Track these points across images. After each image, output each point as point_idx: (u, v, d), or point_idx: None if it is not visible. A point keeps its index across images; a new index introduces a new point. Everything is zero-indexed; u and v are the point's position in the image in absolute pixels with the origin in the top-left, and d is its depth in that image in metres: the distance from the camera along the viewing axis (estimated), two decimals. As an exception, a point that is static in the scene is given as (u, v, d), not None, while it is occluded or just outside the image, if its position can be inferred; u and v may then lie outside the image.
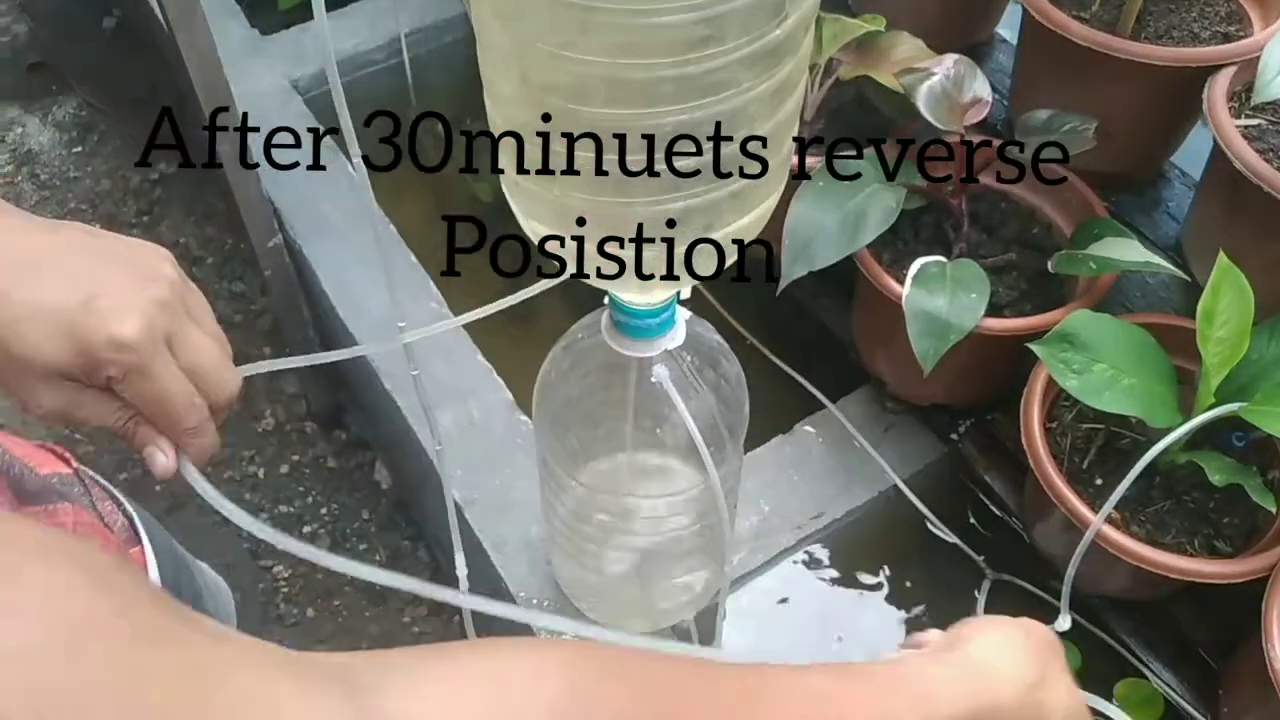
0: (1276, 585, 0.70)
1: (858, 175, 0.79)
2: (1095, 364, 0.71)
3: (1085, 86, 0.84)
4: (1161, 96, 0.83)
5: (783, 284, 0.78)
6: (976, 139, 0.83)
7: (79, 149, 1.73)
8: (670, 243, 0.48)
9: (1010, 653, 0.49)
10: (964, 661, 0.47)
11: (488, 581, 0.89)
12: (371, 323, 1.03)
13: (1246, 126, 0.76)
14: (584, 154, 0.44)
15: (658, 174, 0.44)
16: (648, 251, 0.48)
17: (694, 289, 1.14)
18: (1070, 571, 0.74)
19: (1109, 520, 0.77)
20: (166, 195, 1.66)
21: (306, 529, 1.30)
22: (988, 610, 0.86)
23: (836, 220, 0.77)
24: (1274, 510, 0.69)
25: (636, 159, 0.44)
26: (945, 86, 0.80)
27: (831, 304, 1.02)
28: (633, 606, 0.81)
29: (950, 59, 0.81)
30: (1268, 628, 0.68)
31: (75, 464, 0.51)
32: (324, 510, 1.32)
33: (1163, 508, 0.78)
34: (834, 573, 0.89)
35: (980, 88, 0.80)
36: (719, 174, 0.46)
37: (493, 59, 0.44)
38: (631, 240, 0.48)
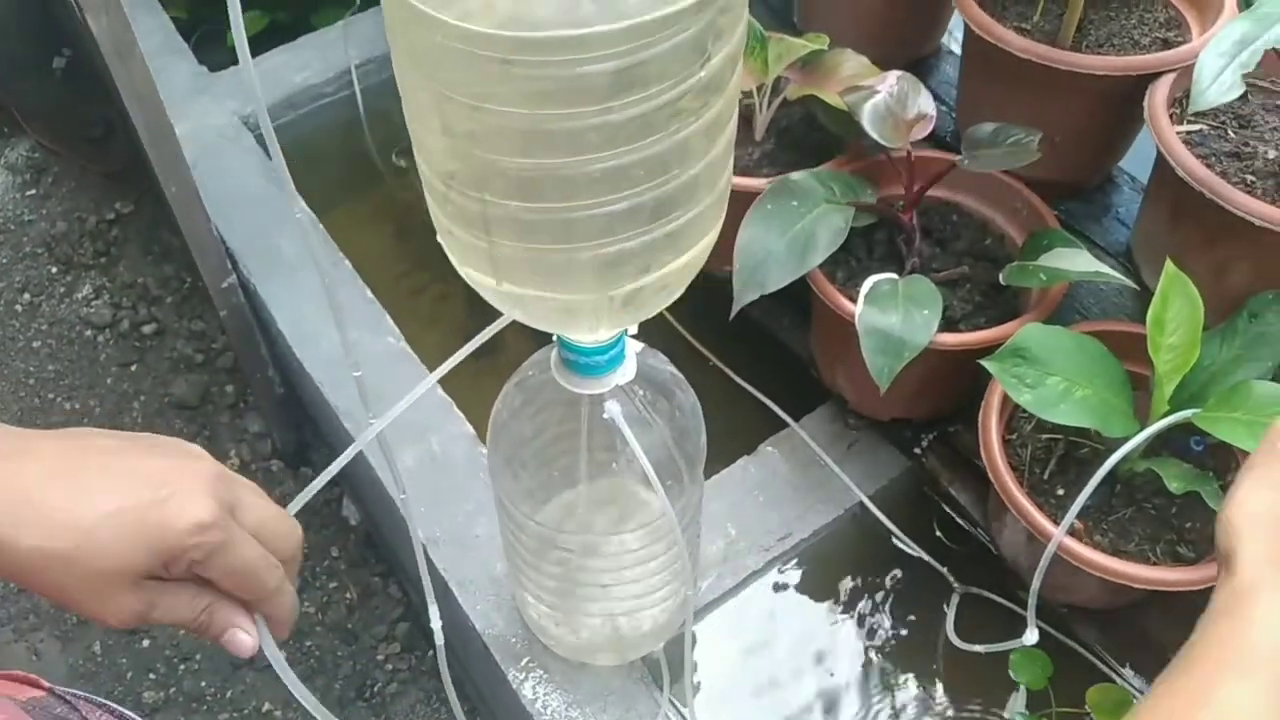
0: (1238, 590, 0.70)
1: (805, 197, 0.79)
2: (1049, 377, 0.71)
3: (1028, 97, 0.85)
4: (1104, 105, 0.83)
5: (735, 309, 0.78)
6: (924, 154, 0.84)
7: (33, 191, 1.71)
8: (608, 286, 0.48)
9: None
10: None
11: (455, 620, 0.88)
12: (327, 362, 1.02)
13: (1189, 132, 0.77)
14: (512, 203, 0.43)
15: (589, 220, 0.44)
16: (585, 295, 0.48)
17: (657, 316, 1.14)
18: (1035, 584, 0.74)
19: (1072, 531, 0.77)
20: (124, 235, 1.65)
21: (276, 569, 1.29)
22: (956, 624, 0.85)
23: (785, 243, 0.77)
24: (1229, 515, 0.68)
25: (565, 206, 0.43)
26: (889, 104, 0.80)
27: (790, 323, 1.02)
28: (601, 641, 0.81)
29: (893, 76, 0.81)
30: (1231, 633, 0.68)
31: (47, 686, 0.47)
32: (293, 548, 1.31)
33: (1124, 516, 0.78)
34: (803, 592, 0.89)
35: (924, 103, 0.80)
36: (652, 217, 0.45)
37: (415, 110, 0.44)
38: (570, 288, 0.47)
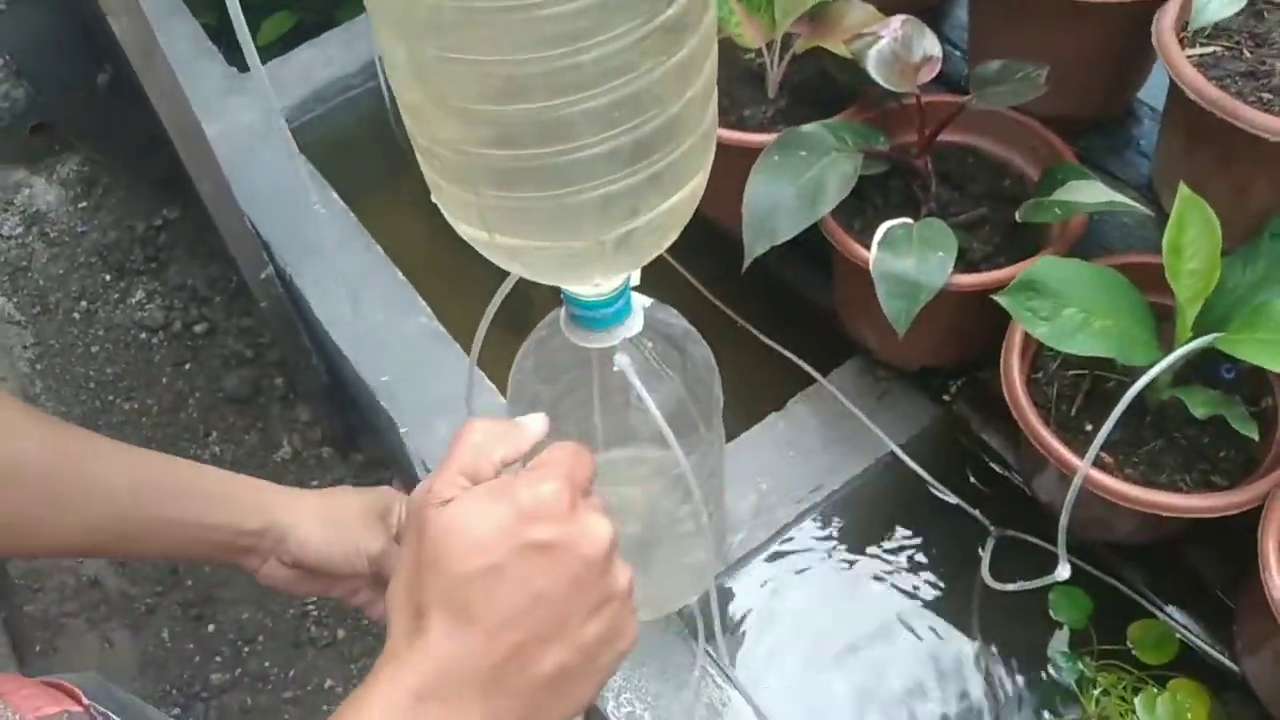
0: (1270, 514, 0.69)
1: (814, 147, 0.79)
2: (1065, 309, 0.70)
3: (1037, 33, 0.84)
4: (1114, 35, 0.82)
5: (747, 260, 0.78)
6: (934, 98, 0.83)
7: (85, 204, 1.78)
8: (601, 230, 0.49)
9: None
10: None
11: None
12: (362, 343, 1.04)
13: (1201, 55, 0.75)
14: (493, 152, 0.45)
15: (570, 165, 0.45)
16: (576, 242, 0.49)
17: (678, 274, 1.14)
18: (1064, 519, 0.73)
19: (1101, 465, 0.77)
20: (172, 240, 1.70)
21: (331, 551, 1.33)
22: (994, 568, 0.85)
23: (794, 192, 0.77)
24: (1257, 438, 0.68)
25: (545, 152, 0.44)
26: (894, 48, 0.79)
27: (814, 278, 1.02)
28: (638, 596, 0.82)
29: (897, 20, 0.81)
30: (1264, 556, 0.68)
31: (86, 700, 0.51)
32: (347, 531, 1.35)
33: (1155, 447, 0.77)
34: (837, 543, 0.89)
35: (930, 45, 0.80)
36: (633, 159, 0.46)
37: (394, 69, 0.45)
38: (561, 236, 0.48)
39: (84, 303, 1.62)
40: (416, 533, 0.41)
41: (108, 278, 1.65)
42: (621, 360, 0.63)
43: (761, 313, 1.06)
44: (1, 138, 1.85)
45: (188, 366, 1.51)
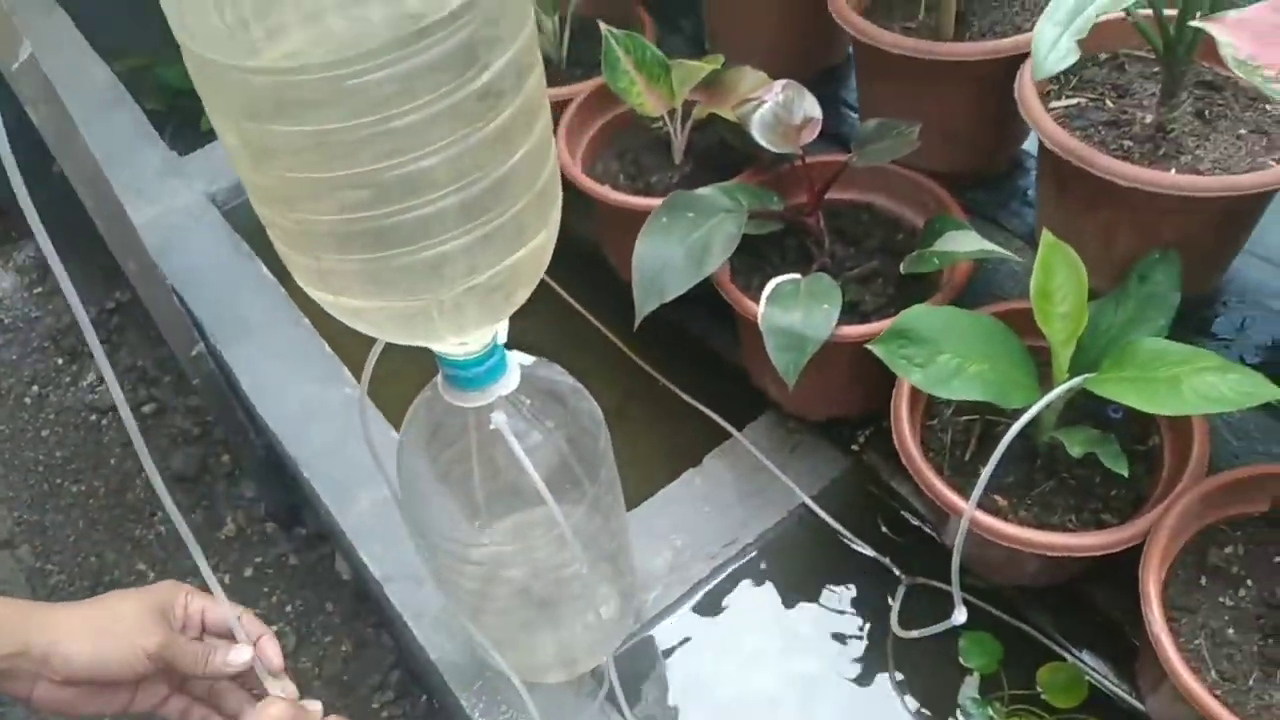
0: (1150, 550, 0.70)
1: (702, 209, 0.81)
2: (939, 355, 0.72)
3: (914, 92, 0.87)
4: (986, 91, 0.85)
5: (638, 318, 0.80)
6: (819, 158, 0.86)
7: (40, 289, 1.80)
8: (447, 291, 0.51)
9: None
10: None
11: (414, 653, 0.90)
12: (288, 418, 1.06)
13: (1067, 107, 0.79)
14: (322, 218, 0.47)
15: (398, 226, 0.47)
16: (414, 301, 0.51)
17: (600, 335, 1.17)
18: (955, 562, 0.74)
19: (995, 508, 0.78)
20: (123, 322, 1.72)
21: (273, 627, 1.32)
22: (905, 615, 0.86)
23: (682, 252, 0.79)
24: (1125, 474, 0.69)
25: (371, 215, 0.46)
26: (776, 112, 0.83)
27: (729, 337, 1.04)
28: (547, 659, 0.82)
29: (779, 85, 0.84)
30: (1145, 592, 0.69)
31: None
32: (288, 608, 1.34)
33: (1046, 489, 0.78)
34: (752, 597, 0.90)
35: (810, 107, 0.83)
36: (463, 219, 0.48)
37: (228, 149, 0.47)
38: (398, 296, 0.50)
39: (35, 387, 1.64)
40: None
41: (60, 361, 1.67)
42: (498, 418, 0.64)
43: (681, 369, 1.08)
44: (-43, 228, 1.88)
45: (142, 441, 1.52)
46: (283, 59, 0.41)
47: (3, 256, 1.86)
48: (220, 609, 0.66)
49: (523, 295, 0.56)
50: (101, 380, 1.63)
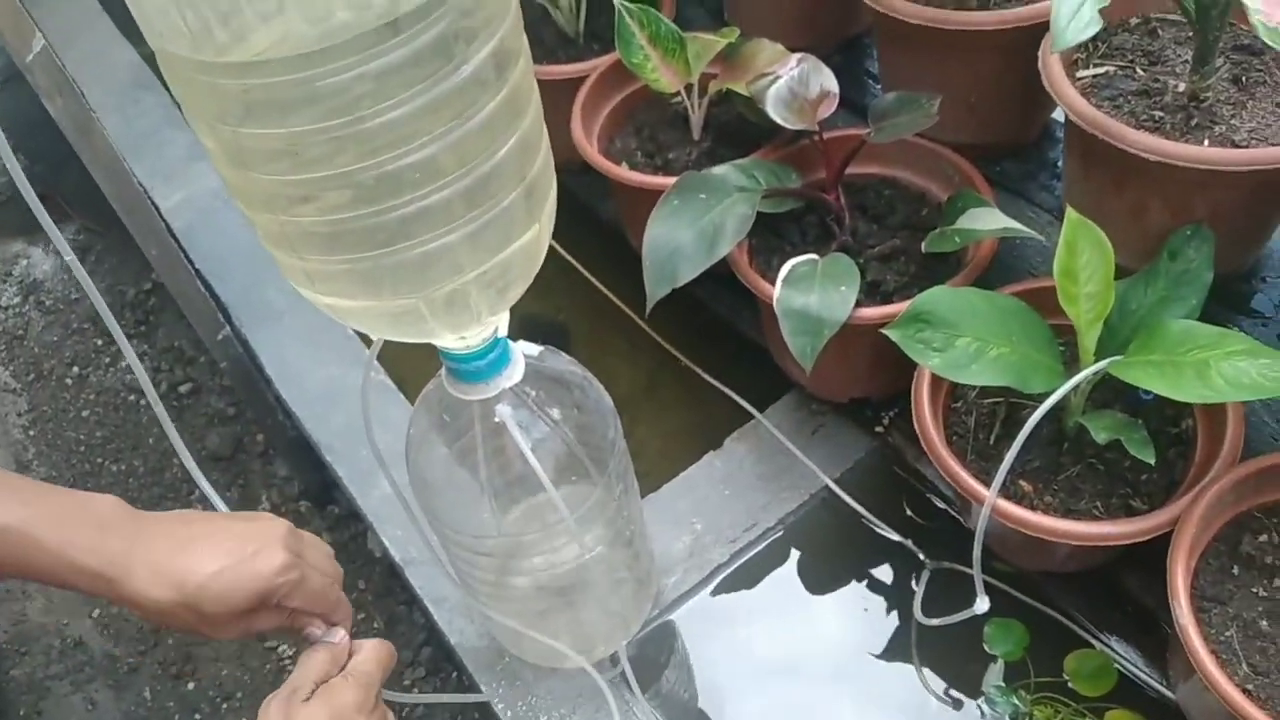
0: (1179, 538, 0.68)
1: (715, 189, 0.79)
2: (958, 339, 0.70)
3: (935, 64, 0.84)
4: (1010, 60, 0.81)
5: (649, 304, 0.79)
6: (837, 133, 0.83)
7: (79, 272, 1.82)
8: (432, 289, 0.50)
9: None
10: None
11: (437, 639, 0.90)
12: (311, 399, 1.06)
13: (1095, 76, 0.75)
14: (303, 219, 0.46)
15: (379, 226, 0.46)
16: (403, 300, 0.50)
17: (622, 314, 1.15)
18: (976, 549, 0.72)
19: (1019, 493, 0.76)
20: (161, 303, 1.74)
21: (307, 605, 1.34)
22: (929, 601, 0.84)
23: (693, 235, 0.77)
24: (1153, 462, 0.66)
25: (352, 216, 0.45)
26: (791, 86, 0.80)
27: (752, 316, 1.02)
28: (565, 644, 0.82)
29: (794, 59, 0.81)
30: (1173, 582, 0.66)
31: None
32: (322, 584, 1.36)
33: (1073, 474, 0.76)
34: (772, 581, 0.89)
35: (827, 81, 0.80)
36: (446, 218, 0.47)
37: (210, 154, 0.47)
38: (386, 295, 0.49)
39: (76, 368, 1.66)
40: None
41: (99, 342, 1.69)
42: (502, 411, 0.63)
43: (704, 349, 1.06)
44: (1, 211, 1.92)
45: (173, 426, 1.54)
46: (249, 59, 0.40)
47: (43, 241, 1.89)
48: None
49: (518, 291, 0.55)
50: (140, 358, 1.65)
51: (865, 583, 0.88)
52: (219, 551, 0.56)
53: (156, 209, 1.11)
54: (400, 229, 0.47)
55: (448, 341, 0.58)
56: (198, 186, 1.30)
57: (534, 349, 0.67)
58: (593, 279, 1.14)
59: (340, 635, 0.62)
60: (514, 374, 0.63)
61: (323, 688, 0.57)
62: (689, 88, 0.94)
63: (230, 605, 0.56)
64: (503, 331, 0.61)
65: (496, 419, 0.63)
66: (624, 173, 0.93)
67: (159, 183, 1.26)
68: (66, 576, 0.55)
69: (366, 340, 1.10)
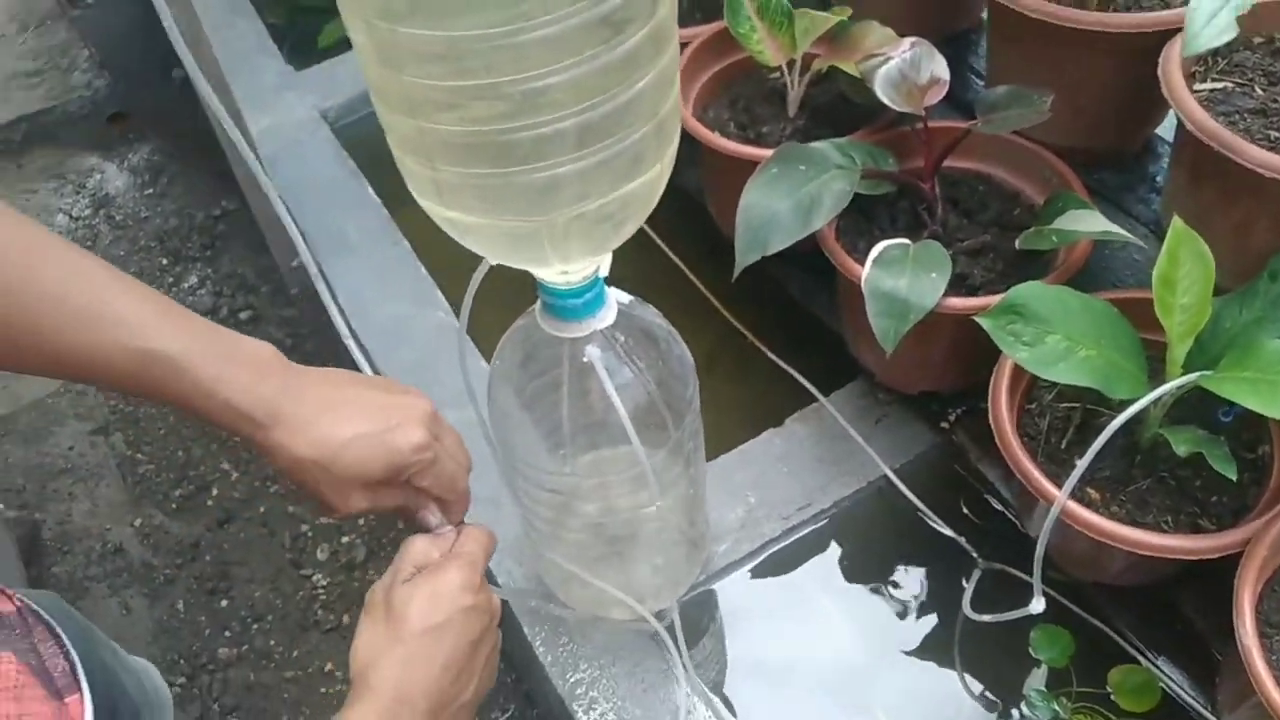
0: (1249, 561, 0.67)
1: (815, 163, 0.79)
2: (1049, 335, 0.70)
3: (1050, 62, 0.83)
4: (1128, 66, 0.81)
5: (737, 270, 0.79)
6: (942, 123, 0.83)
7: (151, 191, 1.85)
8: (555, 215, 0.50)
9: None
10: None
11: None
12: (379, 333, 1.07)
13: (1211, 90, 0.74)
14: (443, 127, 0.46)
15: (516, 143, 0.46)
16: (525, 221, 0.50)
17: (692, 287, 1.15)
18: (1039, 549, 0.72)
19: (1086, 499, 0.75)
20: (229, 230, 1.76)
21: (345, 539, 1.36)
22: (978, 601, 0.84)
23: (789, 206, 0.77)
24: (1234, 478, 0.66)
25: (493, 130, 0.46)
26: (902, 69, 0.80)
27: (827, 300, 1.02)
28: (612, 595, 0.82)
29: (907, 42, 0.81)
30: (1239, 604, 0.66)
31: (19, 600, 0.54)
32: (361, 521, 1.37)
33: (1143, 486, 0.75)
34: (821, 562, 0.89)
35: (938, 68, 0.80)
36: (580, 143, 0.48)
37: (358, 49, 0.47)
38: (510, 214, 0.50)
39: (140, 284, 1.69)
40: (385, 604, 0.56)
41: (165, 262, 1.72)
42: (592, 352, 0.64)
43: (773, 330, 1.06)
44: (80, 125, 1.95)
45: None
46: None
47: (118, 157, 1.92)
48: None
49: (630, 228, 0.55)
50: (202, 284, 1.67)
51: (913, 575, 0.88)
52: (361, 418, 0.56)
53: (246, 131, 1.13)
54: (535, 149, 0.47)
55: (553, 274, 0.59)
56: (284, 116, 1.31)
57: (626, 296, 0.67)
58: (665, 248, 1.14)
59: (448, 529, 0.62)
60: (607, 316, 0.63)
61: (425, 569, 0.57)
62: (791, 63, 0.94)
63: (362, 473, 0.56)
64: (604, 272, 0.61)
65: (585, 359, 0.64)
66: (719, 140, 0.93)
67: (247, 108, 1.27)
68: (213, 412, 0.54)
69: (441, 282, 1.12)
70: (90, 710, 0.52)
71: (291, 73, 1.38)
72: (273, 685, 1.24)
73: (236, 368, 0.54)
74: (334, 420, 0.56)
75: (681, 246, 1.14)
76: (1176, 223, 0.67)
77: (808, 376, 0.99)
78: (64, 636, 0.54)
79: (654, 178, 0.53)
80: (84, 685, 0.54)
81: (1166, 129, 0.91)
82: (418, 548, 0.59)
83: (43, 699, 0.50)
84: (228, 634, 1.29)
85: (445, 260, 1.18)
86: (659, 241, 1.14)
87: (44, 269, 0.52)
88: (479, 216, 0.51)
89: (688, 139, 0.96)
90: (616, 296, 0.65)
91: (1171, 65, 0.73)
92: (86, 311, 0.52)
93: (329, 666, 1.24)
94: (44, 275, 0.51)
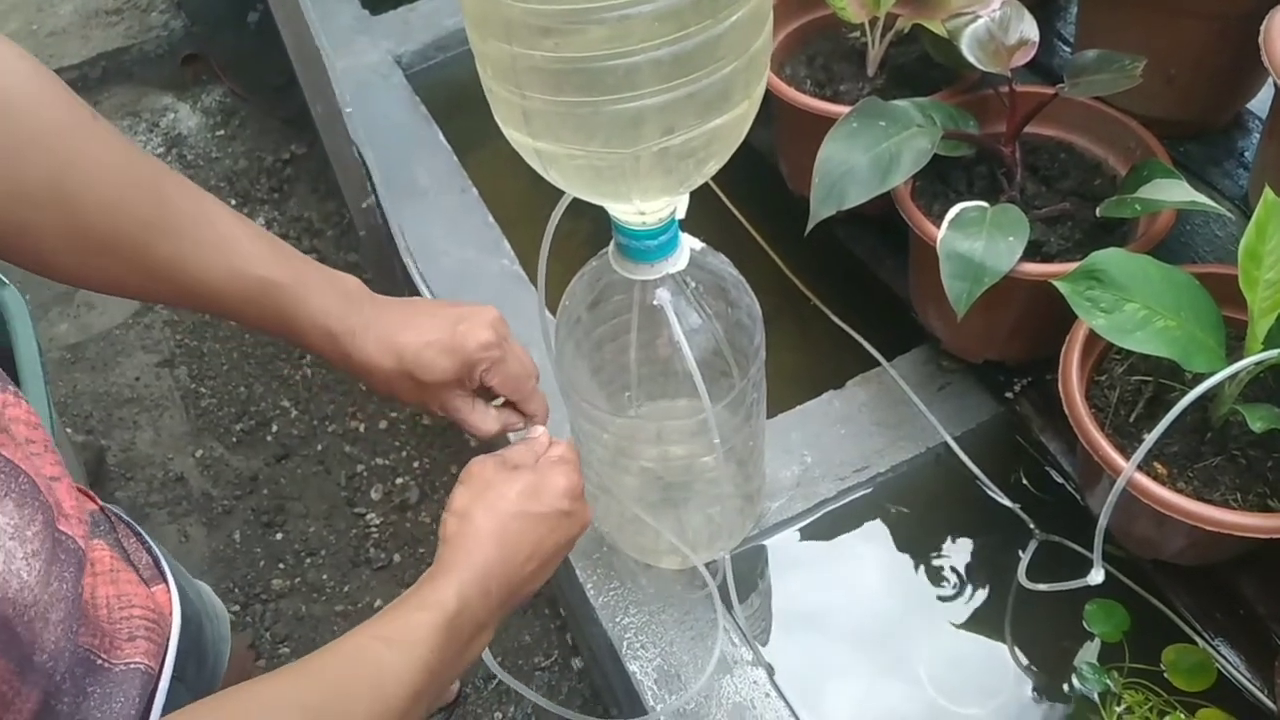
0: (1321, 541, 0.66)
1: (895, 119, 0.78)
2: (1127, 303, 0.68)
3: (1142, 29, 0.81)
4: (1224, 34, 0.78)
5: (811, 222, 0.78)
6: (1028, 87, 0.81)
7: (222, 132, 1.88)
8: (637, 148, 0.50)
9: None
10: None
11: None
12: (447, 276, 1.08)
13: (1314, 62, 0.72)
14: (536, 53, 0.47)
15: (607, 71, 0.47)
16: (611, 152, 0.50)
17: (757, 245, 1.15)
18: (1102, 520, 0.71)
19: (1153, 474, 0.74)
20: (296, 174, 1.78)
21: (399, 480, 1.38)
22: (1034, 571, 0.83)
23: (868, 160, 0.77)
24: (1312, 457, 0.64)
25: (584, 57, 0.46)
26: (990, 29, 0.78)
27: (894, 265, 1.01)
28: (665, 544, 0.83)
29: (997, 1, 0.79)
30: (1308, 584, 0.65)
31: (100, 503, 0.59)
32: (416, 464, 1.40)
33: (1213, 464, 0.74)
34: (875, 525, 0.89)
35: (1028, 29, 0.78)
36: (671, 74, 0.47)
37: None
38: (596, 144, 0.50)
39: (209, 223, 1.72)
40: (487, 481, 0.59)
41: (233, 203, 1.74)
42: (662, 295, 0.64)
43: (837, 293, 1.06)
44: (156, 65, 1.98)
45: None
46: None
47: (191, 98, 1.95)
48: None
49: (712, 167, 0.55)
50: (269, 225, 1.70)
51: (966, 544, 0.88)
52: (432, 325, 0.61)
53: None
54: (625, 78, 0.47)
55: (630, 213, 0.59)
56: (358, 60, 1.32)
57: (698, 243, 0.67)
58: (731, 206, 1.13)
59: (540, 431, 0.66)
60: (680, 260, 0.64)
61: (530, 468, 0.60)
62: (873, 21, 0.93)
63: (439, 373, 0.60)
64: (680, 214, 0.61)
65: (655, 302, 0.64)
66: (797, 95, 0.92)
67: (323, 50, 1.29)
68: (313, 336, 0.59)
69: (507, 230, 1.13)
70: (177, 599, 0.55)
71: (367, 17, 1.39)
72: (323, 618, 1.27)
73: (332, 296, 0.60)
74: (409, 332, 0.60)
75: (747, 205, 1.13)
76: (1268, 194, 0.66)
77: (870, 341, 0.99)
78: (145, 535, 0.57)
79: (740, 115, 0.53)
80: (169, 577, 0.56)
81: (1258, 103, 0.89)
82: (519, 450, 0.63)
83: (135, 582, 0.53)
84: (281, 566, 1.32)
85: (512, 210, 1.18)
86: (723, 198, 1.13)
87: (178, 202, 0.54)
88: (565, 146, 0.51)
89: (763, 95, 0.96)
90: (690, 242, 0.65)
91: (1274, 33, 0.71)
92: (217, 243, 0.55)
93: (378, 603, 1.27)
94: (179, 209, 0.54)
